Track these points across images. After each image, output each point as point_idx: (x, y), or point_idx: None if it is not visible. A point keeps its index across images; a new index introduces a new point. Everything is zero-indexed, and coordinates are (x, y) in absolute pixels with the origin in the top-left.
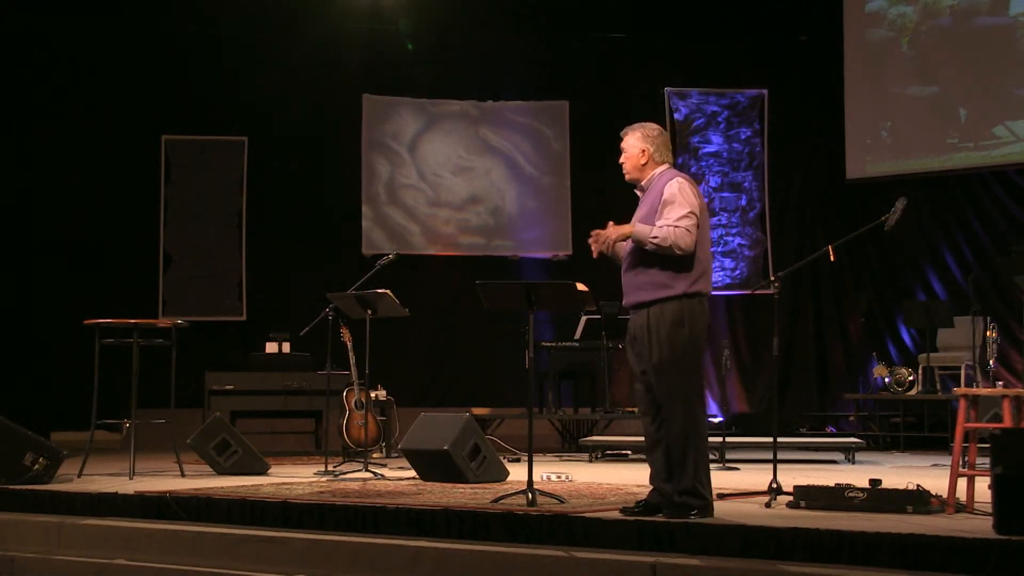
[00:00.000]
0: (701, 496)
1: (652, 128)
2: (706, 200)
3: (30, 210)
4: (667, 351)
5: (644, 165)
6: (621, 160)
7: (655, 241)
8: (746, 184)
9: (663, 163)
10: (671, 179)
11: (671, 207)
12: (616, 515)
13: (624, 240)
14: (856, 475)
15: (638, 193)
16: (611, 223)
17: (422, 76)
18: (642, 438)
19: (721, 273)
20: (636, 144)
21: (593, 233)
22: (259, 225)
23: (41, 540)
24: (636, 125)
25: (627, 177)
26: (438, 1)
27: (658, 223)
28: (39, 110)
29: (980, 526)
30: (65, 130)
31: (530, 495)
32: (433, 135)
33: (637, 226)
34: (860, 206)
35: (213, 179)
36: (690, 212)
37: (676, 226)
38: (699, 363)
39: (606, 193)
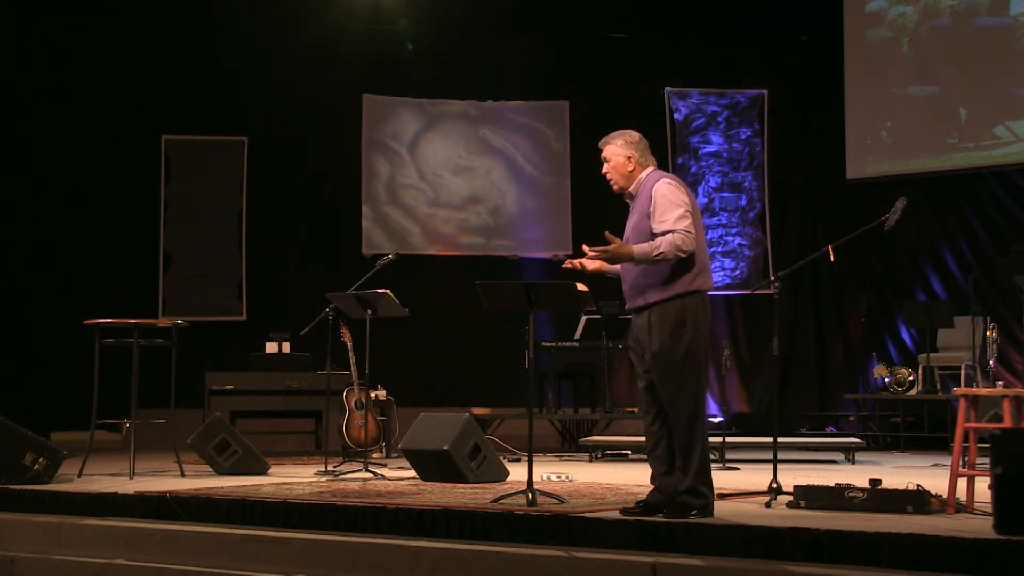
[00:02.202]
0: (702, 496)
1: (632, 134)
2: (706, 200)
3: (30, 210)
4: (670, 352)
5: (631, 172)
6: (605, 171)
7: (659, 256)
8: (746, 184)
9: (648, 166)
10: (657, 180)
11: (663, 209)
12: (616, 515)
13: (626, 261)
14: (856, 475)
15: (628, 201)
16: (607, 233)
17: (422, 76)
18: (642, 438)
19: (721, 273)
20: (620, 152)
21: (591, 264)
22: (259, 225)
23: (41, 540)
24: (614, 134)
25: (615, 187)
26: (438, 1)
27: (654, 228)
28: (39, 110)
29: (980, 526)
30: (65, 130)
31: (530, 495)
32: (433, 135)
33: (636, 248)
34: (860, 206)
35: (213, 179)
36: (684, 212)
37: (674, 230)
38: (703, 362)
39: (606, 193)
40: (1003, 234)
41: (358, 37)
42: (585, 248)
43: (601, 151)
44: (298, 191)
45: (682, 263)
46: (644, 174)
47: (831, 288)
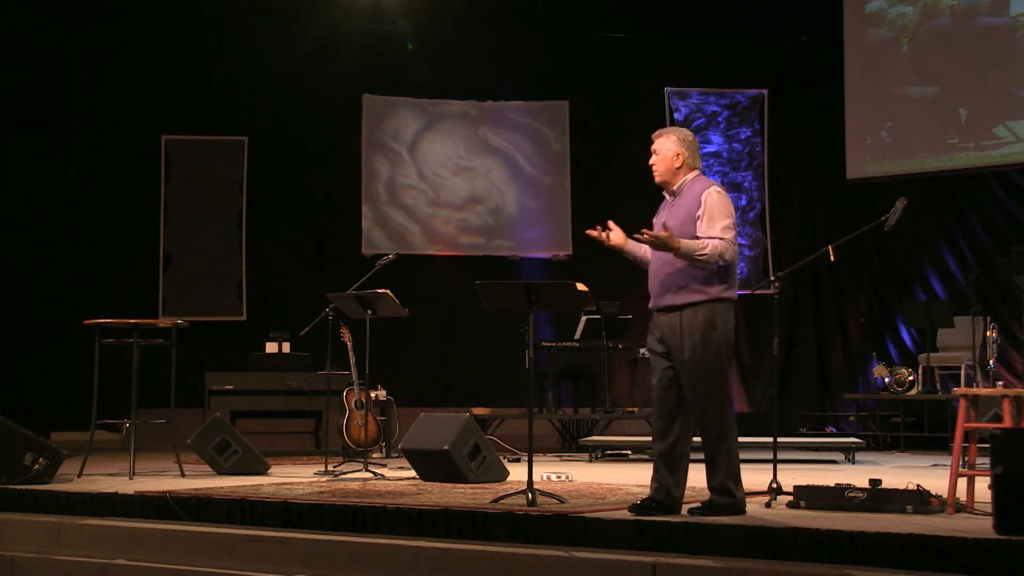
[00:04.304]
0: (731, 494)
1: (687, 133)
2: None
3: (30, 210)
4: (701, 353)
5: (678, 169)
6: (652, 162)
7: (701, 257)
8: (746, 184)
9: (695, 169)
10: (707, 187)
11: (713, 218)
12: (616, 515)
13: (671, 252)
14: (856, 475)
15: (667, 196)
16: (645, 231)
17: (422, 76)
18: (642, 438)
19: None
20: (671, 147)
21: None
22: (259, 225)
23: (41, 540)
24: (671, 129)
25: (658, 179)
26: (438, 1)
27: (703, 235)
28: (39, 110)
29: (980, 526)
30: (65, 130)
31: (530, 495)
32: (433, 135)
33: (683, 242)
34: (860, 206)
35: (213, 179)
36: (731, 224)
37: (722, 238)
38: (729, 364)
39: (606, 193)
40: (1003, 234)
41: (358, 37)
42: (610, 224)
43: (653, 141)
44: (298, 191)
45: (719, 271)
46: (691, 176)
47: (831, 288)
